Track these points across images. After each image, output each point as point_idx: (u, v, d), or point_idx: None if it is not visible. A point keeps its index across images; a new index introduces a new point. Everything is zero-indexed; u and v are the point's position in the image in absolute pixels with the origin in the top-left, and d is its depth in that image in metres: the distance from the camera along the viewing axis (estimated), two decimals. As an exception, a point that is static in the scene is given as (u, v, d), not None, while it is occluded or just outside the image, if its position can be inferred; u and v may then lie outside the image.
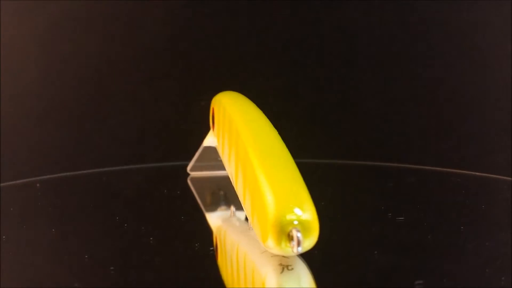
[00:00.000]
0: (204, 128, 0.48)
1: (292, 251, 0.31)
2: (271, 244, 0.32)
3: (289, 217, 0.31)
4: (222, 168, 0.45)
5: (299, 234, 0.31)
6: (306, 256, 0.34)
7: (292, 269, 0.33)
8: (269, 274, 0.33)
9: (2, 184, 0.52)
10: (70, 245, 0.40)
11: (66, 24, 0.64)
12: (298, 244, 0.31)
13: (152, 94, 0.65)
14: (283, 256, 0.34)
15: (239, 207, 0.42)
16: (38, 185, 0.52)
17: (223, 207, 0.47)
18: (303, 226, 0.31)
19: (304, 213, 0.31)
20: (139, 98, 0.65)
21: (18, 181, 0.53)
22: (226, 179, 0.44)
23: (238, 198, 0.39)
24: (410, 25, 0.64)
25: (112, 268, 0.36)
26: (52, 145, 0.64)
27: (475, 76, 0.64)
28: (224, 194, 0.50)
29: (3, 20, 0.62)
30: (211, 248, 0.38)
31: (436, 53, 0.64)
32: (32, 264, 0.37)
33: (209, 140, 0.48)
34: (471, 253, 0.38)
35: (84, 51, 0.64)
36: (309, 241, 0.32)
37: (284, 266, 0.33)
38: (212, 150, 0.48)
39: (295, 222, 0.31)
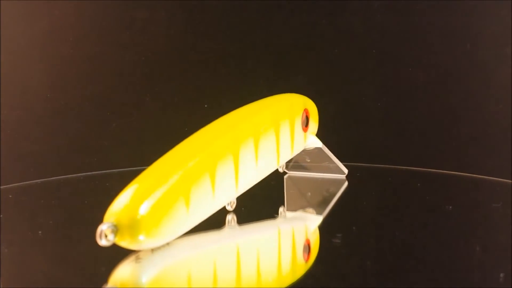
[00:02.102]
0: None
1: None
2: None
3: (111, 213, 0.35)
4: (319, 170, 0.50)
5: (103, 227, 0.34)
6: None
7: (139, 262, 0.36)
8: (121, 263, 0.36)
9: (2, 187, 0.54)
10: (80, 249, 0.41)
11: (68, 27, 0.65)
12: (100, 236, 0.34)
13: (153, 96, 0.66)
14: (152, 250, 0.37)
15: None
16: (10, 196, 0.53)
17: (305, 208, 0.50)
18: (125, 224, 0.35)
19: (127, 212, 0.35)
20: (141, 100, 0.66)
21: (18, 184, 0.56)
22: (321, 181, 0.48)
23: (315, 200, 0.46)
24: (409, 27, 0.65)
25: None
26: (53, 147, 0.65)
27: (475, 78, 0.64)
28: (309, 195, 0.53)
29: (5, 22, 0.63)
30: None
31: (436, 55, 0.64)
32: (32, 265, 0.39)
33: (311, 141, 0.52)
34: (471, 255, 0.39)
35: (85, 53, 0.65)
36: (129, 238, 0.35)
37: (136, 259, 0.37)
38: (311, 152, 0.53)
39: (112, 219, 0.35)
